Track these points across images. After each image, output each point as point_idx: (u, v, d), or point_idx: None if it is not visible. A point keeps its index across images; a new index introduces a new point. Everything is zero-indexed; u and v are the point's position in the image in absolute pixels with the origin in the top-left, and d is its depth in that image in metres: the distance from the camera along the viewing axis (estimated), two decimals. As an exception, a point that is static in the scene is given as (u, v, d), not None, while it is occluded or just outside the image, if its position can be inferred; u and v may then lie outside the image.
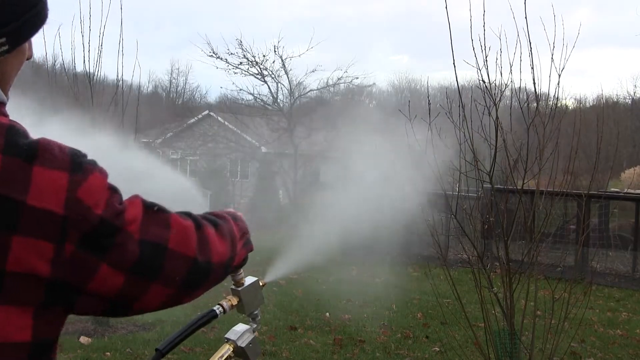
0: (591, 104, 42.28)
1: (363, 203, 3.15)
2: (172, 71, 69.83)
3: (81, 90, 7.90)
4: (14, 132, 1.20)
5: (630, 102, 52.99)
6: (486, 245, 6.05)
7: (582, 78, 76.34)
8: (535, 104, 5.40)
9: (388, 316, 9.13)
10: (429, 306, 9.69)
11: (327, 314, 9.08)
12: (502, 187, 5.75)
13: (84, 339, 7.26)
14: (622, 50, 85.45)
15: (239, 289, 1.88)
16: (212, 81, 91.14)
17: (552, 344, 5.28)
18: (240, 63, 21.16)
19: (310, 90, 22.61)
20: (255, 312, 1.96)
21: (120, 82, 8.19)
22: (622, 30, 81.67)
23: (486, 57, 5.08)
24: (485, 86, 5.17)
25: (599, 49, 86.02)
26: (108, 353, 6.84)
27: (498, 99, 5.24)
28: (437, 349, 7.34)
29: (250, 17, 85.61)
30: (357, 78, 21.72)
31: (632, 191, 18.83)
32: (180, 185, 2.23)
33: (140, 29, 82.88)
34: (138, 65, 8.17)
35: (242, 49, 21.02)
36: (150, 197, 1.26)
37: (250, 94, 21.94)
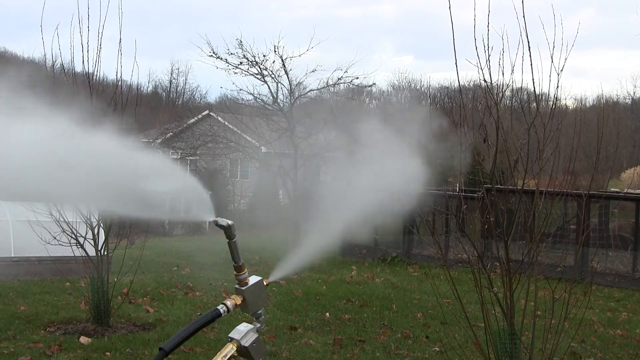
0: (591, 104, 42.38)
1: (364, 202, 3.15)
2: (172, 71, 69.94)
3: (80, 90, 7.91)
4: None
5: (630, 102, 53.08)
6: (486, 245, 6.06)
7: (585, 79, 76.51)
8: (535, 104, 5.40)
9: (388, 316, 9.13)
10: (429, 306, 9.70)
11: (327, 314, 9.08)
12: (502, 187, 5.75)
13: (84, 339, 7.26)
14: (626, 51, 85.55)
15: (243, 288, 1.88)
16: (212, 81, 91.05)
17: (552, 344, 5.28)
18: (240, 63, 21.08)
19: (310, 90, 22.55)
20: (259, 312, 1.96)
21: (120, 82, 8.19)
22: (624, 31, 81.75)
23: (489, 57, 5.08)
24: (487, 86, 5.18)
25: (603, 49, 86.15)
26: (108, 353, 6.84)
27: (499, 99, 5.24)
28: (437, 349, 7.34)
29: (251, 17, 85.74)
30: (357, 78, 21.65)
31: (632, 191, 18.85)
32: (187, 184, 2.23)
33: (141, 30, 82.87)
34: (136, 65, 8.15)
35: (242, 49, 20.96)
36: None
37: (250, 94, 21.87)
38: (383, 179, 3.23)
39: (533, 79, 5.18)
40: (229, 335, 1.89)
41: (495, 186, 5.38)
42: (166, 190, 1.96)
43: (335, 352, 7.15)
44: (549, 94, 5.50)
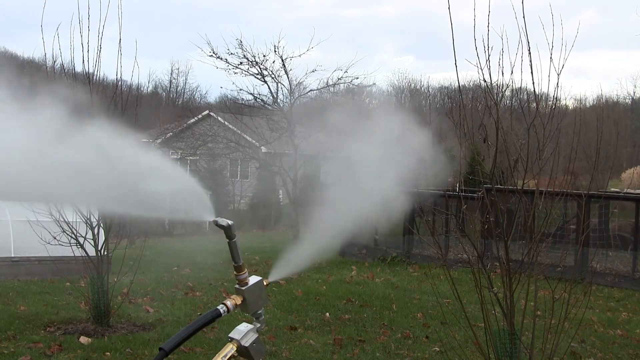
0: (591, 104, 42.43)
1: (363, 203, 3.15)
2: (172, 71, 70.01)
3: (80, 90, 7.91)
4: None
5: (630, 102, 53.13)
6: (486, 245, 6.06)
7: (585, 79, 76.58)
8: (535, 104, 5.40)
9: (388, 316, 9.13)
10: (429, 306, 9.69)
11: (327, 314, 9.08)
12: (502, 187, 5.75)
13: (84, 339, 7.26)
14: (626, 51, 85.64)
15: (243, 288, 1.88)
16: (212, 81, 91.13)
17: (552, 344, 5.28)
18: (241, 63, 21.07)
19: (311, 90, 22.53)
20: (259, 312, 1.96)
21: (120, 82, 8.19)
22: (624, 32, 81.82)
23: (488, 57, 5.09)
24: (487, 86, 5.18)
25: (603, 50, 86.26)
26: (108, 353, 6.84)
27: (499, 99, 5.24)
28: (437, 349, 7.34)
29: (251, 17, 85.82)
30: (357, 78, 21.65)
31: (632, 191, 18.85)
32: (186, 184, 2.24)
33: (141, 30, 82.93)
34: (136, 65, 8.16)
35: (242, 49, 20.96)
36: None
37: (250, 94, 21.86)
38: (381, 179, 3.22)
39: (533, 79, 5.19)
40: (229, 335, 1.89)
41: (495, 186, 5.38)
42: (166, 190, 1.97)
43: (335, 352, 7.15)
44: (548, 94, 5.51)
